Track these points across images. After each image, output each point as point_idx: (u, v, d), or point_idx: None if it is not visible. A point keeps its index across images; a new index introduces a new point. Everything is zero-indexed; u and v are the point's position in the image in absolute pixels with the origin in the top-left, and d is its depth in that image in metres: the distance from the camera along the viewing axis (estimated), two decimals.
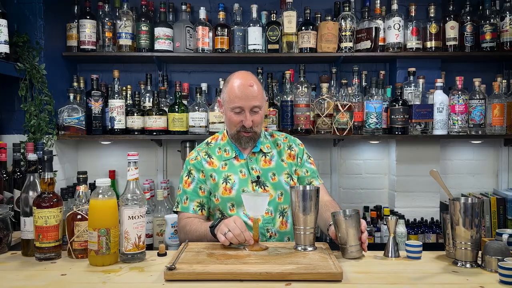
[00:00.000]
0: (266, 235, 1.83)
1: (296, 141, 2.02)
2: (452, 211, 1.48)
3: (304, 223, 1.57)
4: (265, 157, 1.92)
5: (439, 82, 2.71)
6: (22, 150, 2.27)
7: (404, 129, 2.68)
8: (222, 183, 1.86)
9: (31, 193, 1.65)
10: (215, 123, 2.66)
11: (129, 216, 1.50)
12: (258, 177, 1.87)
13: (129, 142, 3.06)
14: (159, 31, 2.72)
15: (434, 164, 2.92)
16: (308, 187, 1.63)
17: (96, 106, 2.67)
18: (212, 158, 1.92)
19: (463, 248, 1.46)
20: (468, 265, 1.46)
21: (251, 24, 2.73)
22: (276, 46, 2.74)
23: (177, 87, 2.76)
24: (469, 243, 1.45)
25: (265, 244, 1.62)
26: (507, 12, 2.69)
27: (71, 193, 2.05)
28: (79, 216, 1.56)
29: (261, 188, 1.86)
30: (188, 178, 1.90)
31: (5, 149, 2.16)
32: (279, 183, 1.88)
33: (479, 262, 1.47)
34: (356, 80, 2.77)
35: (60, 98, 2.72)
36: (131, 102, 2.79)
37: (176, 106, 2.68)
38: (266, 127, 2.37)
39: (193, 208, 1.87)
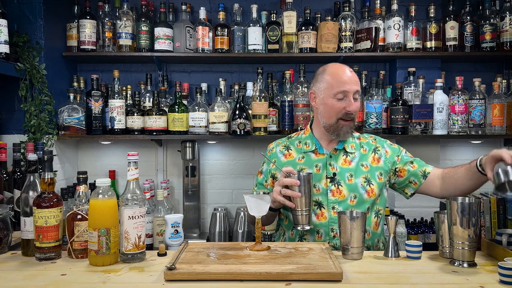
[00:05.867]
0: (330, 234, 1.79)
1: (386, 142, 1.97)
2: (449, 210, 1.48)
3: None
4: (347, 156, 1.87)
5: (439, 82, 2.71)
6: (22, 150, 2.27)
7: (404, 129, 2.67)
8: None
9: (31, 193, 1.65)
10: (215, 123, 2.65)
11: (129, 216, 1.51)
12: (334, 174, 1.83)
13: (129, 142, 3.06)
14: (159, 31, 2.72)
15: (434, 164, 2.91)
16: None
17: (96, 106, 2.67)
18: (290, 150, 1.94)
19: (460, 248, 1.47)
20: (465, 265, 1.47)
21: (251, 24, 2.73)
22: (276, 46, 2.74)
23: (177, 87, 2.76)
24: (467, 242, 1.45)
25: (266, 243, 1.62)
26: (507, 12, 2.69)
27: (71, 193, 2.05)
28: (79, 216, 1.57)
29: (335, 186, 1.82)
30: (262, 168, 2.00)
31: (5, 149, 2.16)
32: (355, 186, 1.82)
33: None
34: None
35: (60, 98, 2.72)
36: (131, 102, 2.79)
37: (176, 106, 2.68)
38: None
39: None
